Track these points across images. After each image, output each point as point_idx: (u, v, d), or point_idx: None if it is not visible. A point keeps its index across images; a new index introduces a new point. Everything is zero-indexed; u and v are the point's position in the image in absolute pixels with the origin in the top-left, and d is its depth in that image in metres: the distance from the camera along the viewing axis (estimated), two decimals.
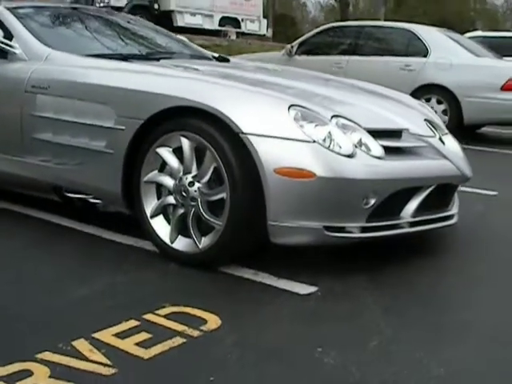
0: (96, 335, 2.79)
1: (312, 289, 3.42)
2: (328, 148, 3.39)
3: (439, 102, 9.55)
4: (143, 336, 2.82)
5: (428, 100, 9.59)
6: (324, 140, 3.41)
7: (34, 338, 2.78)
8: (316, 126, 3.45)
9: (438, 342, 2.93)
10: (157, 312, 3.05)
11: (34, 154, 4.26)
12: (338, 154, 3.39)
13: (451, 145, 4.10)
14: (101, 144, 3.90)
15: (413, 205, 3.70)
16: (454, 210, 4.07)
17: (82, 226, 4.28)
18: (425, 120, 4.12)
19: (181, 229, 3.70)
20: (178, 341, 2.79)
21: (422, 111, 4.41)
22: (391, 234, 3.66)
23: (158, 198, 3.80)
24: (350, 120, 3.60)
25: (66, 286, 3.36)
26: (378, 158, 3.52)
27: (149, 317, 3.00)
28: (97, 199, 4.10)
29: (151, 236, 3.79)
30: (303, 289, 3.42)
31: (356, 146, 3.49)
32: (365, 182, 3.42)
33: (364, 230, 3.53)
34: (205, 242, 3.59)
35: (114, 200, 3.97)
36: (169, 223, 3.76)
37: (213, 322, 2.99)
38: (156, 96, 3.70)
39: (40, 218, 4.43)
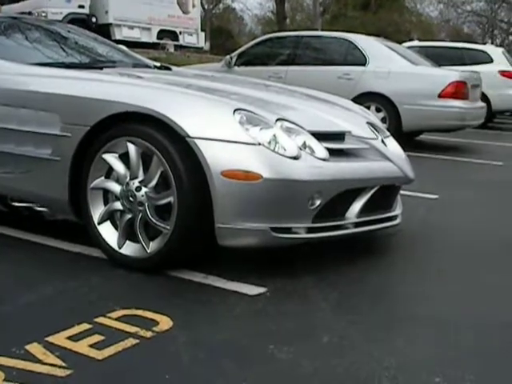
0: (49, 339, 2.79)
1: (261, 289, 3.47)
2: (273, 150, 3.45)
3: (378, 110, 9.71)
4: (96, 338, 2.82)
5: (367, 108, 9.60)
6: (269, 143, 3.47)
7: None
8: (261, 129, 3.51)
9: (387, 335, 3.01)
10: (108, 315, 3.06)
11: None
12: (283, 156, 3.45)
13: (393, 147, 4.20)
14: (46, 151, 3.89)
15: (357, 206, 3.79)
16: (397, 210, 4.18)
17: (28, 235, 4.25)
18: (367, 123, 4.21)
19: (128, 234, 3.71)
20: (131, 342, 2.81)
21: (363, 115, 4.51)
22: (337, 234, 3.74)
23: (105, 205, 3.80)
24: (293, 123, 3.67)
25: (15, 292, 3.33)
26: (323, 159, 3.59)
27: (101, 320, 3.01)
28: (43, 207, 4.09)
29: (99, 242, 3.80)
30: (252, 290, 3.47)
31: (301, 149, 3.55)
32: (310, 183, 3.49)
33: (310, 230, 3.60)
34: (153, 246, 3.61)
35: (62, 207, 3.97)
36: (116, 229, 3.77)
37: (165, 323, 3.02)
38: (101, 102, 3.71)
39: None
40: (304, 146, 3.59)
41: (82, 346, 2.75)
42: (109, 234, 3.78)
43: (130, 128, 3.62)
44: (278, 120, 3.63)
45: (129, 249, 3.70)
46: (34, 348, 2.71)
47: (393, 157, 4.02)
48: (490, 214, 5.60)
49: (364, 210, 3.82)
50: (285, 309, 3.26)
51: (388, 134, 4.38)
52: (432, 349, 2.89)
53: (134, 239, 3.69)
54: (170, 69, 5.46)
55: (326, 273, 3.76)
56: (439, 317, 3.26)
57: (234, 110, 3.55)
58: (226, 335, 2.94)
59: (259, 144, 3.43)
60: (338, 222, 3.73)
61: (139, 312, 3.12)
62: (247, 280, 3.57)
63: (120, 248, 3.71)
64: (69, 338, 2.82)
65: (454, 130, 10.16)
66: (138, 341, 2.82)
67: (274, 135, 3.51)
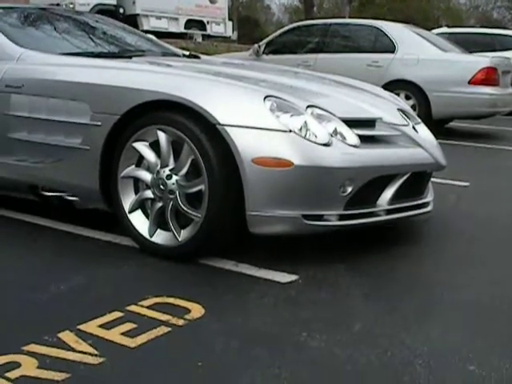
0: (81, 327, 2.80)
1: (293, 277, 3.46)
2: (304, 137, 3.42)
3: (408, 98, 9.62)
4: (128, 326, 2.83)
5: (397, 95, 9.65)
6: (300, 129, 3.44)
7: (19, 331, 2.78)
8: (291, 116, 3.48)
9: (421, 323, 2.98)
10: (140, 303, 3.06)
11: (9, 154, 4.24)
12: (315, 142, 3.43)
13: (424, 133, 4.16)
14: (77, 141, 3.90)
15: (389, 192, 3.75)
16: (429, 197, 4.13)
17: (59, 224, 4.28)
18: (398, 109, 4.17)
19: (159, 222, 3.71)
20: (163, 330, 2.81)
21: (394, 101, 4.46)
22: (369, 221, 3.70)
23: (136, 193, 3.80)
24: (324, 110, 3.64)
25: (46, 281, 3.34)
26: (354, 146, 3.55)
27: (132, 308, 3.01)
28: (74, 196, 4.09)
29: (130, 231, 3.80)
30: (284, 277, 3.45)
31: (331, 135, 3.52)
32: (341, 169, 3.46)
33: (342, 217, 3.57)
34: (184, 234, 3.60)
35: (92, 196, 3.97)
36: (147, 217, 3.77)
37: (196, 310, 3.01)
38: (132, 91, 3.71)
39: (16, 219, 4.42)
40: (335, 132, 3.57)
41: (114, 334, 2.75)
42: (140, 222, 3.78)
43: (160, 116, 3.61)
44: (308, 107, 3.60)
45: (160, 237, 3.70)
46: (67, 336, 2.72)
47: (424, 143, 3.97)
48: None
49: (395, 197, 3.78)
50: (317, 296, 3.24)
51: (419, 120, 4.34)
52: (466, 336, 2.86)
53: (165, 227, 3.68)
54: (198, 57, 5.44)
55: (357, 261, 3.74)
56: (474, 304, 3.22)
57: (265, 97, 3.52)
58: (258, 323, 2.93)
59: (290, 131, 3.40)
60: (370, 210, 3.69)
61: (171, 300, 3.11)
62: (279, 268, 3.56)
63: (151, 236, 3.71)
64: (101, 326, 2.83)
65: (485, 116, 10.05)
66: (169, 329, 2.82)
67: (305, 122, 3.48)
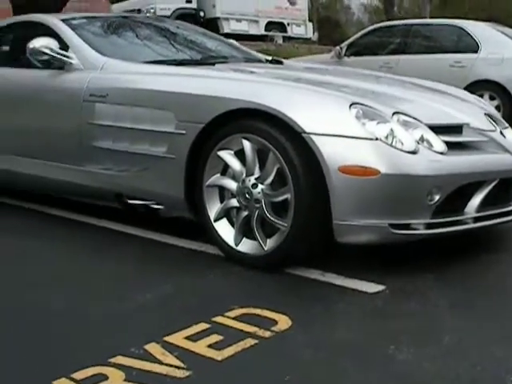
0: (167, 338, 2.81)
1: (380, 287, 3.40)
2: (391, 145, 3.37)
3: (492, 98, 9.44)
4: (215, 338, 2.82)
5: (480, 96, 9.41)
6: (386, 137, 3.39)
7: (106, 342, 2.81)
8: (378, 123, 3.43)
9: (510, 336, 2.89)
10: (226, 314, 3.05)
11: (94, 163, 4.32)
12: (401, 150, 3.37)
13: None
14: (162, 149, 3.93)
15: (476, 200, 3.66)
16: None
17: (144, 232, 4.33)
18: (485, 114, 4.06)
19: (245, 231, 3.71)
20: (249, 342, 2.79)
21: (480, 105, 4.35)
22: (456, 229, 3.62)
23: (221, 202, 3.81)
24: (410, 116, 3.58)
25: (132, 290, 3.39)
26: (441, 153, 3.48)
27: (219, 319, 3.01)
28: (159, 205, 4.13)
29: (216, 239, 3.81)
30: (371, 287, 3.40)
31: (418, 143, 3.46)
32: (428, 177, 3.39)
33: (429, 226, 3.50)
34: (270, 243, 3.59)
35: (177, 205, 4.00)
36: (232, 226, 3.77)
37: (283, 322, 2.99)
38: (216, 99, 3.71)
39: (101, 226, 4.50)
40: (421, 139, 3.50)
41: (200, 347, 2.75)
42: (225, 231, 3.78)
43: (245, 125, 3.61)
44: (394, 113, 3.55)
45: (245, 246, 3.70)
46: (153, 348, 2.73)
47: None
48: None
49: (483, 205, 3.68)
50: (404, 308, 3.18)
51: (507, 125, 4.22)
52: None
53: (251, 236, 3.68)
54: (281, 62, 5.42)
55: (446, 270, 3.65)
56: None
57: (351, 105, 3.48)
58: (346, 335, 2.89)
59: (376, 139, 3.35)
60: (458, 218, 3.61)
61: (257, 311, 3.10)
62: (365, 277, 3.51)
63: (237, 245, 3.71)
64: (187, 337, 2.83)
65: None
66: (256, 341, 2.80)
67: (391, 129, 3.43)
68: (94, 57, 4.50)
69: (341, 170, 3.32)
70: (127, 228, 4.41)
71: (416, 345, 2.78)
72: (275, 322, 2.98)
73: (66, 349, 2.76)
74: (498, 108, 9.38)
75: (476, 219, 3.68)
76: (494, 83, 9.38)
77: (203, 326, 2.94)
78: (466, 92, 4.99)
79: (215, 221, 3.81)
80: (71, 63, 4.51)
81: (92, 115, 4.26)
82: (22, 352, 2.74)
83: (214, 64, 4.72)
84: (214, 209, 3.82)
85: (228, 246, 3.75)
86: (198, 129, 3.74)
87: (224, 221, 3.81)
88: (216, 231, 3.80)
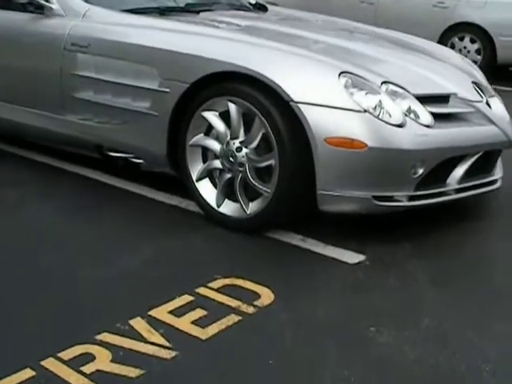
0: (152, 313, 2.82)
1: (360, 257, 3.44)
2: (379, 118, 3.34)
3: (473, 41, 9.38)
4: (198, 313, 2.84)
5: (461, 39, 9.44)
6: (374, 108, 3.36)
7: (92, 316, 2.81)
8: (366, 93, 3.40)
9: (488, 318, 2.94)
10: (209, 285, 3.07)
11: (74, 113, 4.24)
12: (389, 123, 3.35)
13: (498, 108, 4.02)
14: (144, 105, 3.87)
15: (459, 171, 3.68)
16: (498, 174, 4.03)
17: (125, 183, 4.31)
18: (472, 82, 4.03)
19: (227, 193, 3.70)
20: (233, 319, 2.81)
21: (468, 72, 4.31)
22: (438, 201, 3.64)
23: (204, 162, 3.78)
24: (399, 86, 3.54)
25: (115, 253, 3.38)
26: (427, 126, 3.47)
27: (202, 291, 3.02)
28: (139, 159, 4.09)
29: (197, 199, 3.81)
30: (351, 257, 3.44)
31: (405, 114, 3.44)
32: (414, 152, 3.39)
33: (412, 198, 3.53)
34: (252, 207, 3.60)
35: (158, 161, 3.97)
36: (215, 186, 3.76)
37: (266, 296, 3.01)
38: (202, 60, 3.64)
39: (83, 175, 4.45)
40: (409, 111, 3.48)
41: (185, 323, 2.77)
42: (207, 191, 3.78)
43: (232, 88, 3.55)
44: (383, 83, 3.51)
45: (227, 208, 3.70)
46: (138, 324, 2.74)
47: (497, 120, 3.85)
48: None
49: (466, 176, 3.71)
50: (384, 283, 3.21)
51: (493, 93, 4.18)
52: None
53: (233, 198, 3.68)
54: (265, 8, 5.32)
55: (422, 238, 3.70)
56: None
57: (340, 73, 3.43)
58: (328, 313, 2.92)
59: (365, 111, 3.32)
60: (440, 189, 3.64)
61: (240, 282, 3.12)
62: (345, 245, 3.55)
63: (219, 207, 3.71)
64: (171, 312, 2.84)
65: None
66: (240, 317, 2.83)
67: (380, 101, 3.40)
68: (75, 3, 4.33)
69: (327, 141, 3.31)
70: (109, 178, 4.37)
71: (396, 327, 2.82)
72: (258, 296, 3.01)
73: (53, 324, 2.75)
74: (478, 51, 9.35)
75: (458, 190, 3.72)
76: (476, 26, 9.28)
77: (187, 298, 2.96)
78: (451, 51, 4.94)
79: (197, 180, 3.78)
80: (51, 8, 4.32)
81: (73, 65, 4.14)
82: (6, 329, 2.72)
83: (198, 12, 4.60)
84: (196, 168, 3.80)
85: (210, 206, 3.75)
86: (182, 88, 3.68)
87: (206, 181, 3.80)
88: (198, 191, 3.79)
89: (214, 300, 2.96)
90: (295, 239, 3.61)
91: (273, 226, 3.67)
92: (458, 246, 3.68)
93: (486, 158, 3.84)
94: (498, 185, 4.00)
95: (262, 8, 5.35)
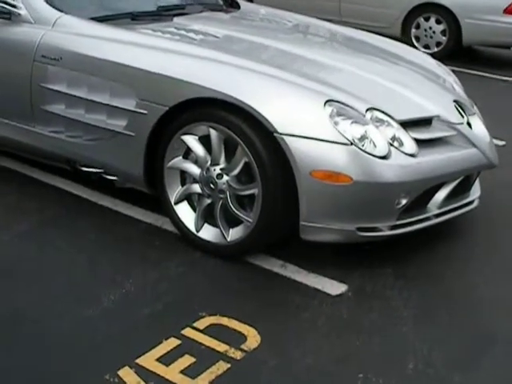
0: (140, 361, 2.77)
1: (342, 288, 3.44)
2: (364, 150, 3.29)
3: (438, 22, 9.34)
4: (187, 360, 2.80)
5: (427, 19, 9.39)
6: (360, 139, 3.31)
7: (78, 366, 2.74)
8: (352, 123, 3.34)
9: (473, 359, 2.97)
10: (195, 325, 3.04)
11: (45, 125, 4.10)
12: (374, 156, 3.30)
13: (478, 129, 3.98)
14: (119, 124, 3.75)
15: (440, 196, 3.70)
16: (475, 193, 4.03)
17: (99, 197, 4.22)
18: (454, 101, 3.99)
19: (206, 216, 3.65)
20: (222, 367, 2.78)
21: (449, 87, 4.27)
22: (420, 227, 3.64)
23: (182, 184, 3.71)
24: (383, 113, 3.49)
25: (93, 289, 3.29)
26: (412, 155, 3.44)
27: (188, 333, 2.98)
28: (113, 176, 4.00)
29: (176, 223, 3.76)
30: (333, 287, 3.44)
31: (390, 143, 3.40)
32: (399, 184, 3.37)
33: (394, 227, 3.52)
34: (233, 235, 3.55)
35: (134, 181, 3.89)
36: (193, 209, 3.69)
37: (252, 338, 2.99)
38: (183, 84, 3.52)
39: (52, 185, 4.36)
40: (393, 138, 3.44)
41: (174, 373, 2.73)
42: (186, 214, 3.72)
43: (214, 114, 3.46)
44: (368, 110, 3.45)
45: (207, 233, 3.65)
46: (127, 375, 2.69)
47: (478, 142, 3.82)
48: None
49: (445, 200, 3.72)
50: (368, 320, 3.20)
51: (473, 110, 4.14)
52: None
53: (212, 222, 3.62)
54: (238, 6, 5.20)
55: (403, 263, 3.71)
56: None
57: (325, 102, 3.35)
58: (316, 358, 2.90)
59: (351, 144, 3.26)
60: (422, 216, 3.63)
61: (225, 321, 3.09)
62: (326, 271, 3.55)
63: (198, 231, 3.65)
64: (159, 359, 2.80)
65: None
66: (229, 365, 2.80)
67: (365, 131, 3.34)
68: (45, 10, 4.13)
69: (312, 174, 3.26)
70: (80, 190, 4.28)
71: (383, 372, 2.83)
72: (244, 338, 2.98)
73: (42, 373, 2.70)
74: (443, 32, 9.31)
75: (438, 214, 3.71)
76: (442, 7, 9.23)
77: (174, 342, 2.91)
78: (428, 58, 4.88)
79: (175, 203, 3.72)
80: (19, 14, 4.12)
81: (43, 78, 3.97)
82: None
83: (172, 17, 4.47)
84: (174, 191, 3.72)
85: (189, 230, 3.69)
86: (161, 111, 3.58)
87: (185, 204, 3.73)
88: (176, 214, 3.72)
89: (201, 344, 2.92)
90: (276, 266, 3.60)
91: (253, 252, 3.64)
92: (436, 272, 3.69)
93: (465, 179, 3.84)
94: (475, 204, 4.00)
95: (233, 5, 5.23)
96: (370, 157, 3.30)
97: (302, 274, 3.53)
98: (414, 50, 4.90)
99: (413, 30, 9.53)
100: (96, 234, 3.82)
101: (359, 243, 3.63)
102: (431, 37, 9.41)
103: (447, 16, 9.21)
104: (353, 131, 3.33)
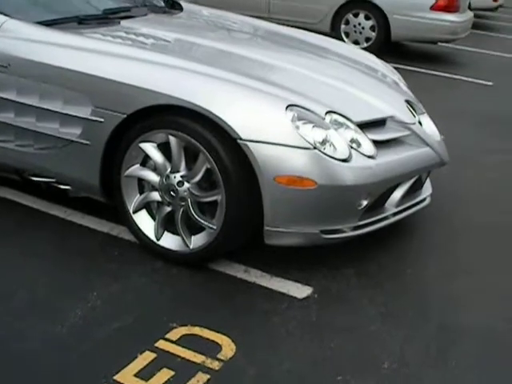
0: (118, 378, 2.71)
1: (307, 290, 3.47)
2: (326, 154, 3.30)
3: (367, 18, 9.47)
4: (166, 374, 2.76)
5: (356, 15, 9.51)
6: (322, 143, 3.32)
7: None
8: (313, 127, 3.35)
9: (442, 356, 3.03)
10: (167, 337, 3.00)
11: None
12: (336, 159, 3.32)
13: (429, 128, 4.07)
14: (74, 132, 3.66)
15: (397, 196, 3.76)
16: (427, 191, 4.13)
17: (49, 206, 4.12)
18: (405, 101, 4.06)
19: (166, 224, 3.61)
20: (202, 378, 2.76)
21: (398, 89, 4.34)
22: (379, 226, 3.69)
23: (140, 192, 3.66)
24: (341, 115, 3.52)
25: (57, 302, 3.21)
26: (371, 157, 3.47)
27: (162, 345, 2.94)
28: (66, 185, 3.91)
29: (135, 232, 3.70)
30: (299, 290, 3.46)
31: (351, 146, 3.42)
32: (361, 186, 3.40)
33: (356, 228, 3.56)
34: (195, 242, 3.52)
35: (90, 190, 3.81)
36: (152, 218, 3.65)
37: (227, 346, 2.98)
38: (141, 91, 3.45)
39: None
40: (352, 140, 3.47)
41: None
42: (145, 223, 3.67)
43: (174, 121, 3.41)
44: (327, 113, 3.47)
45: (168, 241, 3.61)
46: None
47: (430, 141, 3.90)
48: None
49: (402, 199, 3.79)
50: (337, 322, 3.24)
51: (423, 110, 4.22)
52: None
53: (173, 231, 3.59)
54: (180, 8, 5.16)
55: (363, 262, 3.79)
56: (488, 326, 3.29)
57: (286, 107, 3.35)
58: (293, 363, 2.91)
59: (314, 148, 3.27)
60: (381, 215, 3.68)
61: (197, 330, 3.07)
62: (289, 275, 3.58)
63: (158, 240, 3.61)
64: (137, 375, 2.75)
65: (444, 42, 9.97)
66: (208, 376, 2.77)
67: (326, 135, 3.36)
68: None
69: (277, 179, 3.26)
70: (29, 200, 4.17)
71: (360, 375, 2.87)
72: (219, 347, 2.97)
73: None
74: (372, 28, 9.44)
75: (395, 213, 3.77)
76: (370, 3, 9.36)
77: (149, 355, 2.87)
78: (372, 56, 4.94)
79: (134, 212, 3.66)
80: None
81: None
82: None
83: (119, 20, 4.38)
84: (132, 200, 3.66)
85: (149, 239, 3.64)
86: (118, 119, 3.51)
87: (143, 212, 3.68)
88: (135, 224, 3.67)
89: (177, 356, 2.88)
90: (239, 271, 3.59)
91: (216, 259, 3.63)
92: (397, 268, 3.77)
93: (417, 178, 3.91)
94: (427, 201, 4.09)
95: (175, 6, 5.19)
96: (333, 160, 3.32)
97: (265, 279, 3.54)
98: (357, 48, 4.93)
99: (342, 26, 9.65)
100: (52, 247, 3.71)
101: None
102: (360, 32, 9.55)
103: (376, 12, 9.36)
104: (314, 135, 3.33)
